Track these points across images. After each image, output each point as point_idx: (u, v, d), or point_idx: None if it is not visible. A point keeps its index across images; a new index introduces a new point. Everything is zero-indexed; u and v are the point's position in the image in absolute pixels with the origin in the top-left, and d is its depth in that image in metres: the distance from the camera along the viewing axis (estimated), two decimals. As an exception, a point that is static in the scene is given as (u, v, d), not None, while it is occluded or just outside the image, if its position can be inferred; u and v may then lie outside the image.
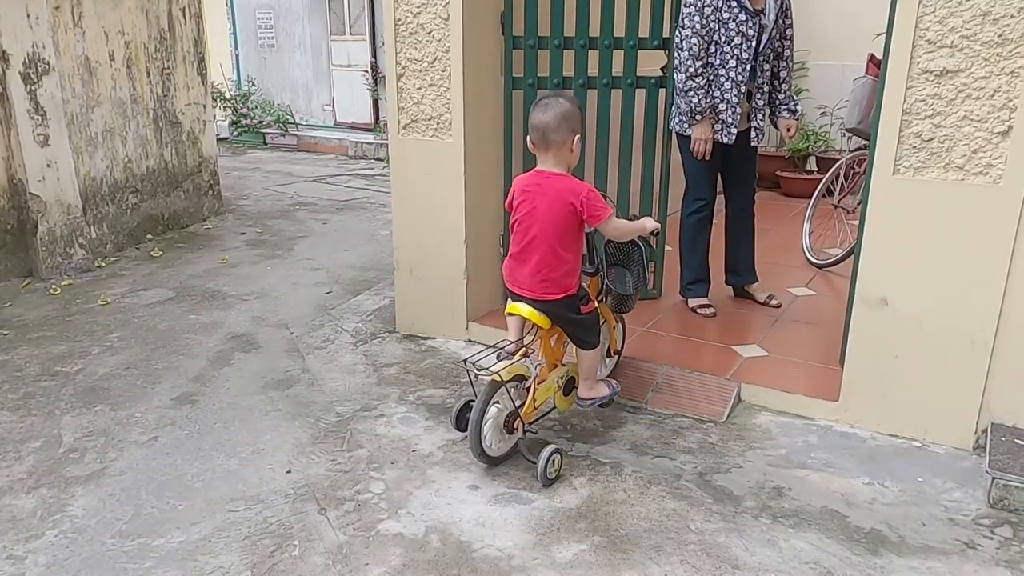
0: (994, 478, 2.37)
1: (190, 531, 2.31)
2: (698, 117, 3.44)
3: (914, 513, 2.37)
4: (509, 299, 2.65)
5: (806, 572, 2.11)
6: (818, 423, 2.88)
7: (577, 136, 2.54)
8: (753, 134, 3.59)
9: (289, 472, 2.61)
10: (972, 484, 2.49)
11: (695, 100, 3.39)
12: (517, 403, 2.58)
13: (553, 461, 2.50)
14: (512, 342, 2.65)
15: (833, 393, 2.90)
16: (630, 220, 2.77)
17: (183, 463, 2.67)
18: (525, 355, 2.65)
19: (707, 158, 3.53)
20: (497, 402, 2.52)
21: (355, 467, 2.64)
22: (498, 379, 2.48)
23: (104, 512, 2.40)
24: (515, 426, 2.58)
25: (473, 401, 2.56)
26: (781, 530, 2.29)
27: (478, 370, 2.48)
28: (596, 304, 2.76)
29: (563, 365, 2.79)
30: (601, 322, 2.87)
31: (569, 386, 2.80)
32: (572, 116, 2.51)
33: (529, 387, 2.62)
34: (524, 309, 2.58)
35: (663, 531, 2.28)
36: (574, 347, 2.73)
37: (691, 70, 3.35)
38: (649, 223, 2.73)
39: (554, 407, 2.79)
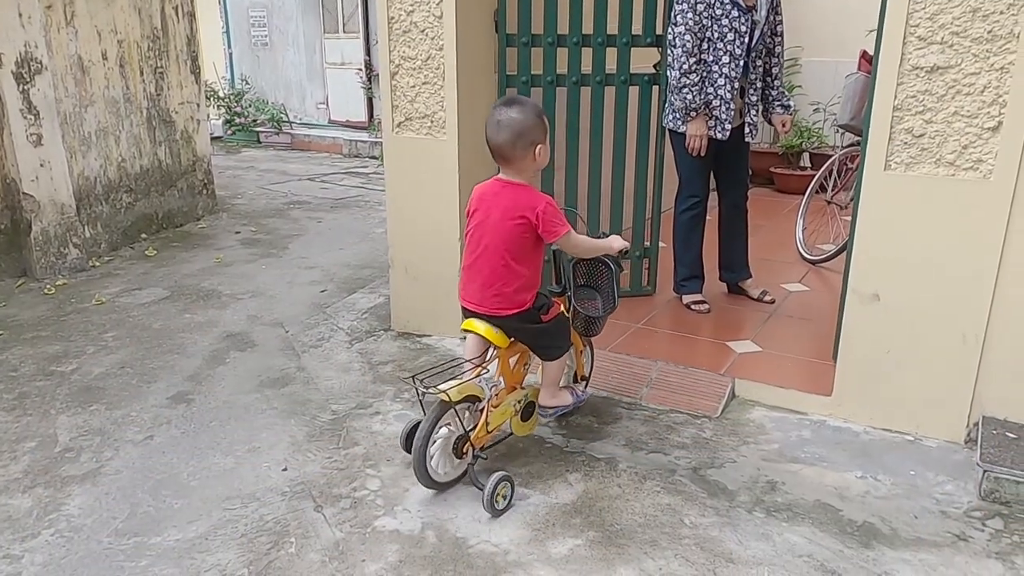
0: (985, 471, 2.40)
1: (187, 529, 2.31)
2: (692, 114, 3.45)
3: (906, 506, 2.39)
4: (462, 315, 2.49)
5: (799, 565, 2.13)
6: (811, 418, 2.90)
7: (539, 146, 2.36)
8: (747, 130, 3.60)
9: (285, 470, 2.62)
10: (964, 477, 2.51)
11: (689, 97, 3.40)
12: (468, 426, 2.40)
13: (501, 491, 2.33)
14: (467, 360, 2.50)
15: (826, 388, 2.92)
16: (598, 237, 2.62)
17: (179, 462, 2.68)
18: (479, 374, 2.46)
19: (702, 154, 3.54)
20: (448, 424, 2.37)
21: (351, 464, 2.64)
22: (446, 399, 2.29)
23: (100, 511, 2.40)
24: (464, 451, 2.41)
25: (421, 421, 2.37)
26: (775, 524, 2.31)
27: (425, 388, 2.29)
28: (561, 308, 2.60)
29: (522, 388, 2.61)
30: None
31: (528, 411, 2.63)
32: (528, 130, 2.32)
33: (483, 409, 2.43)
34: (480, 326, 2.42)
35: (658, 526, 2.30)
36: (540, 366, 2.61)
37: (685, 67, 3.36)
38: (616, 242, 2.58)
39: (511, 433, 2.63)
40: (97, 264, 4.94)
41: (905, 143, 2.56)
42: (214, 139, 9.61)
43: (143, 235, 5.52)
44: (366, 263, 4.96)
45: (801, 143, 6.53)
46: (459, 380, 2.38)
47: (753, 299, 3.92)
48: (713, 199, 3.84)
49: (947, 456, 2.64)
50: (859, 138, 3.70)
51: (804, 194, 4.89)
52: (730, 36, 3.37)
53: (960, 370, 2.63)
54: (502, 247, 2.36)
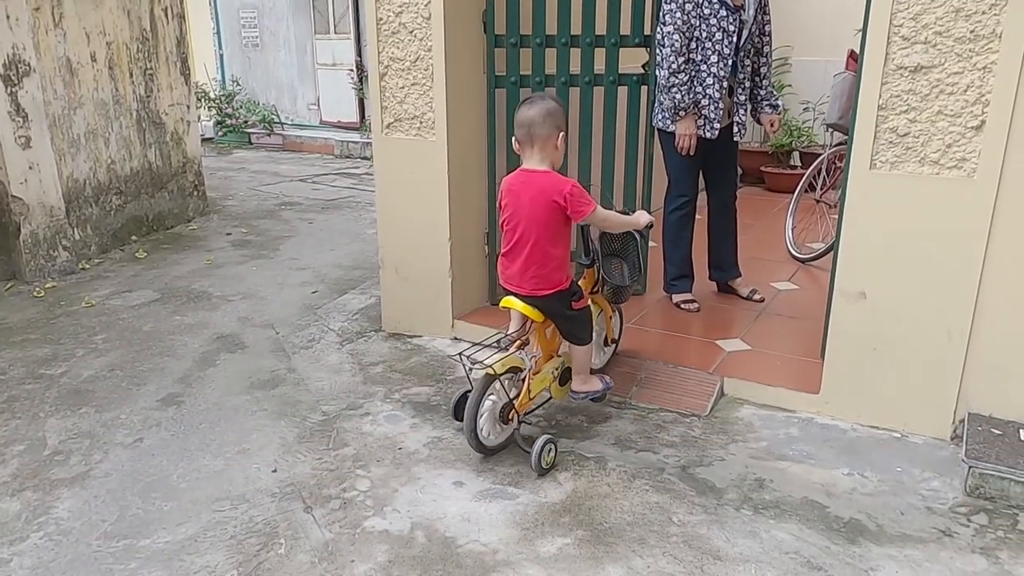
0: (970, 467, 2.41)
1: (176, 531, 2.31)
2: (681, 113, 3.47)
3: (893, 502, 2.40)
4: (501, 295, 2.72)
5: (786, 562, 2.14)
6: (799, 415, 2.92)
7: (562, 133, 2.58)
8: (735, 129, 3.62)
9: (275, 471, 2.62)
10: (949, 473, 2.53)
11: (678, 96, 3.41)
12: (512, 394, 2.63)
13: (548, 450, 2.56)
14: (508, 334, 2.71)
15: (814, 386, 2.93)
16: (624, 213, 2.85)
17: (168, 464, 2.68)
18: (521, 347, 2.70)
19: (691, 154, 3.55)
20: (492, 394, 2.58)
21: (341, 465, 2.65)
22: (492, 372, 2.53)
23: (89, 514, 2.40)
24: (510, 417, 2.63)
25: (469, 391, 2.61)
26: (762, 521, 2.32)
27: (472, 363, 2.53)
28: (588, 301, 2.80)
29: (559, 356, 2.85)
30: (598, 312, 2.96)
31: (565, 376, 2.86)
32: (557, 113, 2.56)
33: (524, 378, 2.67)
34: (517, 303, 2.64)
35: (646, 524, 2.31)
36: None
37: (674, 66, 3.37)
38: (643, 217, 2.81)
39: (550, 398, 2.87)
40: (87, 266, 4.92)
41: (890, 142, 2.58)
42: (205, 140, 9.59)
43: (133, 237, 5.51)
44: (357, 264, 4.96)
45: (791, 142, 6.56)
46: (502, 353, 2.60)
47: (743, 298, 3.94)
48: (703, 198, 3.86)
49: (933, 453, 2.66)
50: (847, 137, 3.72)
51: (794, 193, 4.91)
52: (718, 36, 3.38)
53: (946, 367, 2.65)
54: (537, 231, 2.55)
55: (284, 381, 3.30)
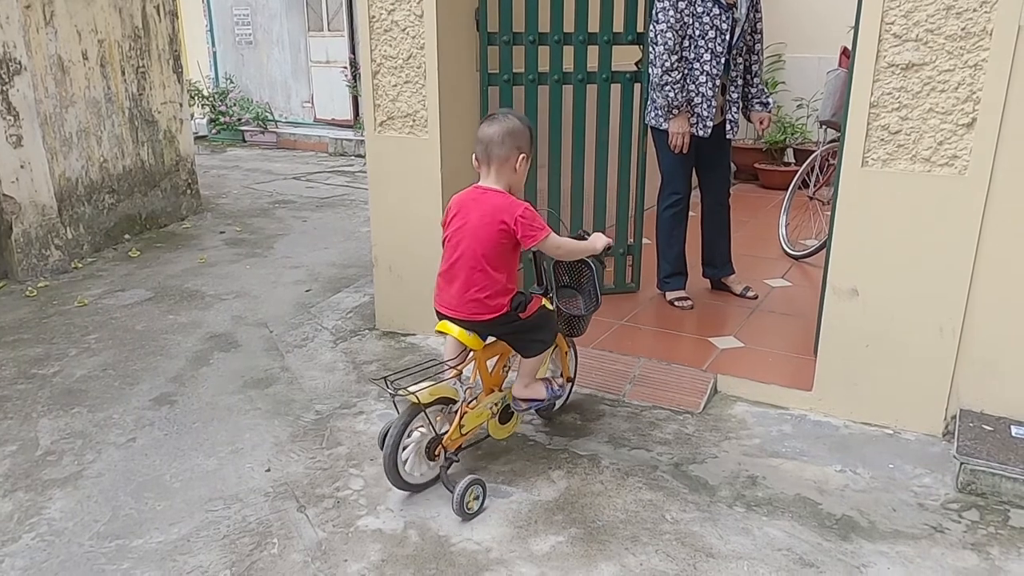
0: (962, 463, 2.42)
1: (169, 531, 2.31)
2: (675, 111, 3.47)
3: (884, 499, 2.41)
4: (437, 318, 2.46)
5: (778, 559, 2.15)
6: (792, 412, 2.93)
7: (523, 155, 2.36)
8: (728, 127, 3.62)
9: (268, 471, 2.62)
10: (941, 469, 2.54)
11: (671, 94, 3.42)
12: (440, 429, 2.40)
13: (472, 493, 2.31)
14: (442, 362, 2.50)
15: (807, 383, 2.94)
16: (580, 237, 2.60)
17: (161, 464, 2.67)
18: (456, 376, 2.46)
19: (685, 152, 3.56)
20: (421, 426, 2.36)
21: (334, 464, 2.65)
22: (416, 401, 2.28)
23: (82, 514, 2.40)
24: (437, 453, 2.40)
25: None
26: (755, 518, 2.33)
27: (395, 390, 2.25)
28: (542, 301, 2.54)
29: (500, 391, 2.59)
30: (553, 348, 2.69)
31: (507, 414, 2.62)
32: (519, 133, 2.35)
33: (457, 411, 2.42)
34: (454, 329, 2.40)
35: (639, 522, 2.31)
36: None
37: (666, 64, 3.37)
38: (599, 241, 2.55)
39: (487, 436, 2.63)
40: (79, 265, 4.91)
41: (882, 140, 2.58)
42: (199, 138, 9.55)
43: (126, 236, 5.49)
44: (351, 262, 4.95)
45: (785, 139, 6.57)
46: (431, 382, 2.36)
47: (736, 295, 3.94)
48: (696, 196, 3.86)
49: (925, 449, 2.67)
50: (841, 134, 3.73)
51: (787, 190, 4.92)
52: (711, 34, 3.38)
53: (937, 364, 2.66)
54: (479, 252, 2.34)
55: (277, 380, 3.29)
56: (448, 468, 2.42)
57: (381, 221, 3.68)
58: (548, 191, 3.74)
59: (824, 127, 4.60)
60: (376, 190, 3.66)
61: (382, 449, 2.41)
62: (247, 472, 2.61)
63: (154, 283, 4.57)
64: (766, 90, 3.72)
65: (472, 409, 2.45)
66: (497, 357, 2.59)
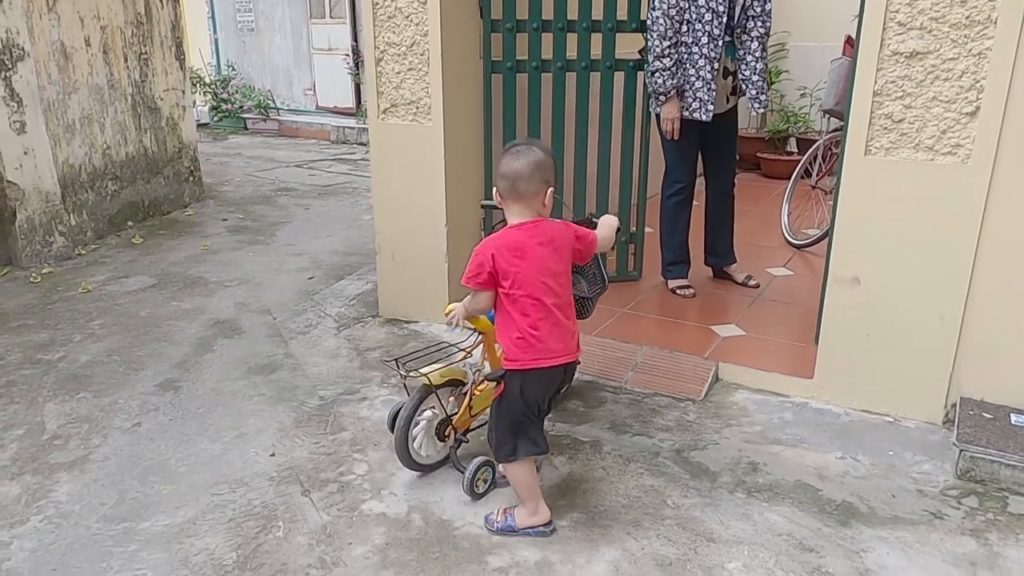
0: (961, 450, 2.44)
1: (175, 515, 2.33)
2: (662, 98, 3.46)
3: (884, 485, 2.43)
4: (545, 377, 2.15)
5: (779, 544, 2.17)
6: (793, 400, 2.94)
7: (551, 190, 2.14)
8: (752, 101, 3.51)
9: (273, 455, 2.64)
10: (941, 457, 2.56)
11: (659, 81, 3.41)
12: (451, 410, 2.42)
13: (482, 475, 2.35)
14: (451, 344, 2.49)
15: (808, 371, 2.96)
16: (589, 221, 2.48)
17: (167, 448, 2.69)
18: (465, 357, 2.46)
19: (676, 137, 3.54)
20: (432, 407, 2.39)
21: (338, 449, 2.67)
22: (428, 383, 2.32)
23: (89, 497, 2.42)
24: (447, 434, 2.43)
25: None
26: (756, 504, 2.35)
27: (407, 371, 2.30)
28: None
29: None
30: None
31: None
32: (546, 166, 2.12)
33: (466, 392, 2.43)
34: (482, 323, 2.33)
35: (641, 507, 2.33)
36: None
37: (658, 50, 3.37)
38: (614, 223, 2.39)
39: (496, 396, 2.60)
40: (83, 252, 4.92)
41: (885, 128, 2.59)
42: (200, 126, 9.54)
43: (129, 223, 5.50)
44: (354, 250, 4.96)
45: (787, 128, 6.55)
46: (442, 364, 2.40)
47: (738, 283, 3.95)
48: (700, 184, 3.86)
49: (925, 436, 2.69)
50: (844, 123, 3.72)
51: (790, 179, 4.92)
52: (708, 16, 3.36)
53: (938, 352, 2.67)
54: (566, 284, 2.16)
55: (281, 366, 3.31)
56: (457, 449, 2.46)
57: (384, 208, 3.69)
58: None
59: (827, 116, 4.60)
60: (379, 177, 3.66)
61: (391, 431, 2.44)
62: (252, 457, 2.63)
63: (157, 270, 4.59)
64: (765, 88, 3.56)
65: (481, 391, 2.46)
66: None
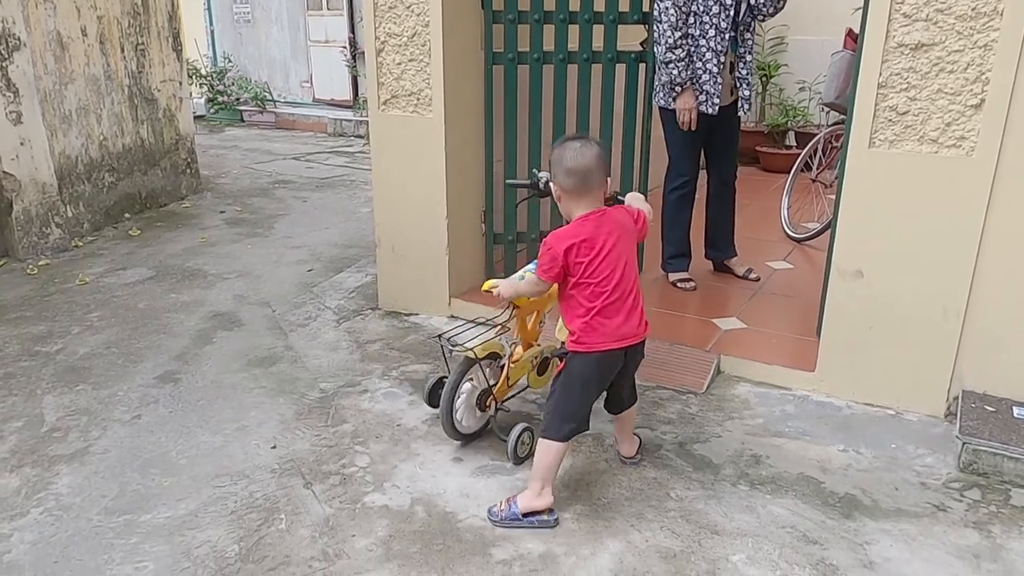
0: (964, 443, 2.44)
1: (176, 507, 2.32)
2: (678, 89, 3.44)
3: (887, 478, 2.43)
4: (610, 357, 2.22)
5: (782, 536, 2.17)
6: (795, 393, 2.94)
7: (609, 179, 2.24)
8: (740, 104, 3.59)
9: (274, 448, 2.63)
10: (943, 450, 2.56)
11: (675, 72, 3.40)
12: (491, 381, 2.57)
13: (523, 440, 2.47)
14: (488, 320, 2.65)
15: (810, 364, 2.95)
16: (617, 199, 2.46)
17: (167, 440, 2.68)
18: (501, 332, 2.62)
19: (694, 128, 3.53)
20: (471, 379, 2.52)
21: (340, 442, 2.66)
22: (472, 356, 2.48)
23: (89, 490, 2.41)
24: (487, 404, 2.57)
25: (446, 378, 2.54)
26: (759, 496, 2.35)
27: (452, 346, 2.49)
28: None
29: (538, 345, 2.71)
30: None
31: (543, 366, 2.73)
32: (604, 161, 2.21)
33: (503, 365, 2.60)
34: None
35: (644, 499, 2.33)
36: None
37: (670, 41, 3.35)
38: (640, 197, 2.46)
39: (527, 386, 2.75)
40: (80, 244, 4.89)
41: (889, 120, 2.58)
42: (197, 118, 9.46)
43: (126, 215, 5.47)
44: (352, 242, 4.94)
45: (787, 122, 6.54)
46: (483, 338, 2.56)
47: (738, 277, 3.95)
48: (702, 177, 3.85)
49: (927, 429, 2.69)
50: (844, 116, 3.71)
51: (789, 173, 4.91)
52: (715, 9, 3.35)
53: (941, 345, 2.67)
54: (633, 267, 2.23)
55: (281, 359, 3.30)
56: (495, 417, 2.60)
57: (384, 200, 3.67)
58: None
59: (827, 110, 4.59)
60: (379, 169, 3.64)
61: (429, 404, 2.65)
62: (253, 449, 2.62)
63: (155, 262, 4.56)
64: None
65: (516, 363, 2.61)
66: (534, 314, 2.68)
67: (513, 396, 2.74)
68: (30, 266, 4.44)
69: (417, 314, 3.72)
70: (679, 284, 3.82)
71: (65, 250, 4.76)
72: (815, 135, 4.87)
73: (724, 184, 3.84)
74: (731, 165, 3.84)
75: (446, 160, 3.44)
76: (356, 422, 2.78)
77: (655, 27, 3.41)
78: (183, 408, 2.89)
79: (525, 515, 2.20)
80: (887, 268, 2.69)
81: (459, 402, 2.49)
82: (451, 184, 3.50)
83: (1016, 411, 2.56)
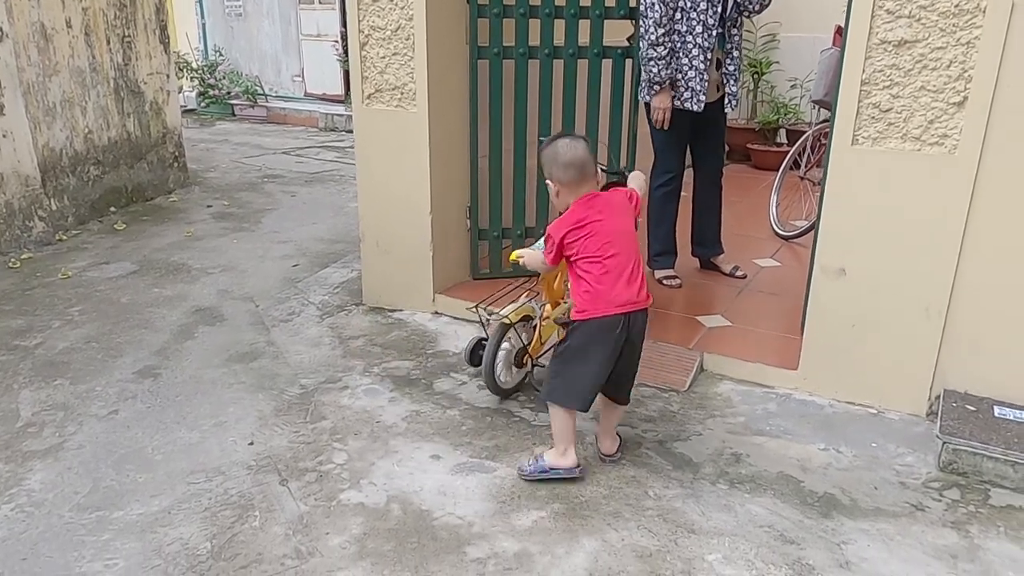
0: (944, 443, 2.43)
1: (150, 503, 2.30)
2: (656, 87, 3.43)
3: (867, 477, 2.42)
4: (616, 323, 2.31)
5: (759, 535, 2.16)
6: (777, 391, 2.93)
7: (599, 170, 2.43)
8: (727, 101, 3.57)
9: (251, 444, 2.60)
10: (924, 449, 2.55)
11: (655, 70, 3.38)
12: (525, 341, 2.83)
13: None
14: (519, 285, 2.99)
15: (793, 362, 2.94)
16: (621, 174, 2.75)
17: (144, 436, 2.65)
18: (532, 296, 2.89)
19: (666, 127, 3.52)
20: (508, 341, 2.78)
21: (318, 438, 2.64)
22: (507, 321, 2.74)
23: (62, 486, 2.38)
24: (524, 361, 2.85)
25: (483, 339, 2.86)
26: (737, 495, 2.33)
27: (489, 315, 2.80)
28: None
29: (564, 302, 2.87)
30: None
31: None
32: (591, 155, 2.37)
33: (535, 326, 2.85)
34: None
35: (622, 497, 2.31)
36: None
37: (652, 38, 3.33)
38: (642, 176, 2.65)
39: (558, 341, 2.82)
40: (64, 238, 4.85)
41: (872, 118, 2.56)
42: (187, 111, 9.44)
43: (112, 208, 5.43)
44: (339, 237, 4.92)
45: (777, 119, 6.53)
46: (516, 304, 2.81)
47: (725, 274, 3.93)
48: (688, 174, 3.83)
49: (908, 429, 2.68)
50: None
51: (779, 170, 4.89)
52: (703, 5, 3.33)
53: (923, 344, 2.66)
54: (630, 240, 2.35)
55: (263, 354, 3.27)
56: (532, 372, 2.89)
57: (368, 195, 3.65)
58: (538, 167, 3.69)
59: (817, 107, 4.57)
60: (363, 164, 3.62)
61: (470, 363, 2.94)
62: (230, 445, 2.60)
63: (139, 256, 4.53)
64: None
65: (546, 322, 2.83)
66: (558, 276, 2.81)
67: (547, 351, 2.90)
68: (12, 260, 4.40)
69: (401, 310, 3.69)
70: (664, 281, 3.80)
71: (48, 244, 4.72)
72: (805, 132, 4.85)
73: (710, 181, 3.83)
74: (717, 162, 3.82)
75: (430, 155, 3.42)
76: (335, 419, 2.76)
77: (641, 22, 3.39)
78: (161, 404, 2.87)
79: (551, 469, 2.37)
80: (870, 266, 2.67)
81: (499, 362, 2.76)
82: (435, 179, 3.47)
83: (997, 410, 2.56)
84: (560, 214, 2.38)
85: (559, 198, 2.37)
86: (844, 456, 2.53)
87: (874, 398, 2.79)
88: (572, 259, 2.32)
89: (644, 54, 3.38)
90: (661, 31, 3.32)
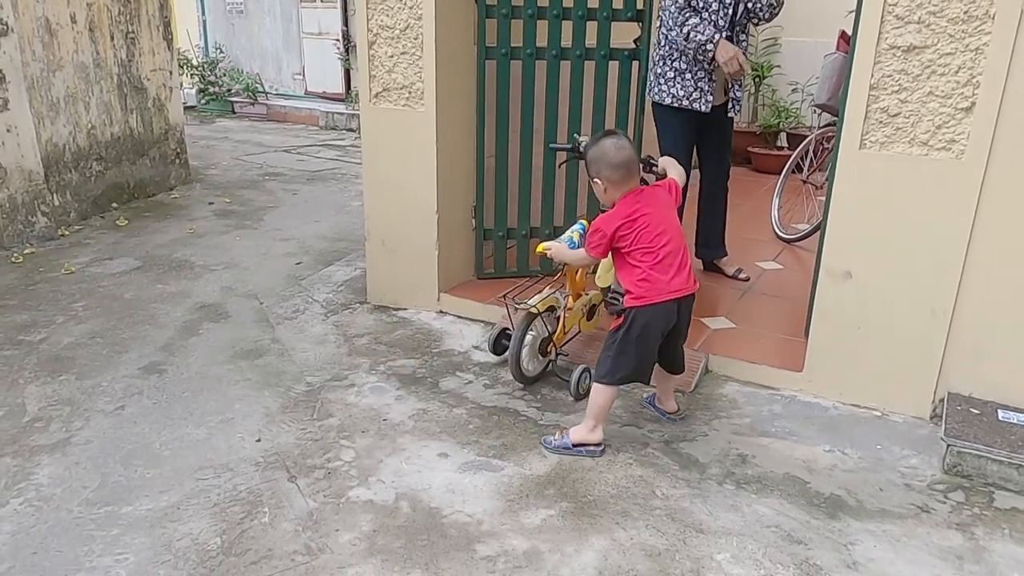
0: (949, 445, 2.45)
1: (158, 499, 2.30)
2: (709, 45, 3.32)
3: (872, 479, 2.44)
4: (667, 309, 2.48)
5: (767, 535, 2.17)
6: (782, 393, 2.94)
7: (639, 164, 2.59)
8: (730, 105, 3.59)
9: (259, 441, 2.61)
10: (928, 451, 2.57)
11: (700, 37, 3.30)
12: (550, 330, 2.94)
13: (585, 378, 2.84)
14: (543, 277, 3.14)
15: (798, 364, 2.96)
16: (649, 163, 2.78)
17: (151, 432, 2.65)
18: (555, 287, 3.02)
19: (746, 70, 3.41)
20: (533, 330, 2.88)
21: (325, 436, 2.64)
22: (534, 311, 2.85)
23: (70, 480, 2.38)
24: (548, 350, 2.96)
25: (507, 329, 3.01)
26: (744, 496, 2.35)
27: (516, 304, 2.89)
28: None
29: (586, 294, 3.07)
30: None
31: (591, 312, 3.14)
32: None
33: (559, 316, 2.96)
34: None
35: (630, 497, 2.33)
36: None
37: (680, 18, 3.32)
38: (672, 161, 2.75)
39: (579, 331, 3.16)
40: (66, 233, 4.84)
41: (880, 122, 2.58)
42: (188, 108, 9.41)
43: (114, 204, 5.42)
44: (342, 236, 4.92)
45: (779, 123, 6.55)
46: (541, 295, 2.93)
47: (728, 276, 3.95)
48: (694, 176, 3.84)
49: (913, 431, 2.69)
50: (836, 118, 3.71)
51: (780, 174, 4.92)
52: (714, 6, 3.34)
53: (928, 347, 2.68)
54: (676, 230, 2.51)
55: (268, 351, 3.27)
56: (556, 360, 3.01)
57: (374, 194, 3.65)
58: (544, 168, 3.71)
59: (819, 111, 4.59)
60: (370, 162, 3.62)
61: (493, 352, 3.11)
62: (237, 442, 2.60)
63: (142, 252, 4.52)
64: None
65: (570, 312, 2.97)
66: (581, 270, 2.96)
67: (569, 340, 3.10)
68: (15, 255, 4.39)
69: (406, 309, 3.70)
70: (668, 283, 3.81)
71: (51, 239, 4.71)
72: (807, 136, 4.87)
73: (716, 184, 3.84)
74: (724, 165, 3.84)
75: (437, 154, 3.42)
76: (342, 416, 2.77)
77: (661, 18, 3.39)
78: (167, 399, 2.87)
79: (575, 445, 2.52)
80: (876, 269, 2.69)
81: (524, 350, 2.86)
82: (442, 178, 3.48)
83: (1001, 414, 2.58)
84: (603, 210, 2.57)
85: (606, 194, 2.52)
86: (849, 458, 2.55)
87: (878, 400, 2.81)
88: (625, 250, 2.48)
89: (680, 32, 3.33)
90: (688, 12, 3.31)
